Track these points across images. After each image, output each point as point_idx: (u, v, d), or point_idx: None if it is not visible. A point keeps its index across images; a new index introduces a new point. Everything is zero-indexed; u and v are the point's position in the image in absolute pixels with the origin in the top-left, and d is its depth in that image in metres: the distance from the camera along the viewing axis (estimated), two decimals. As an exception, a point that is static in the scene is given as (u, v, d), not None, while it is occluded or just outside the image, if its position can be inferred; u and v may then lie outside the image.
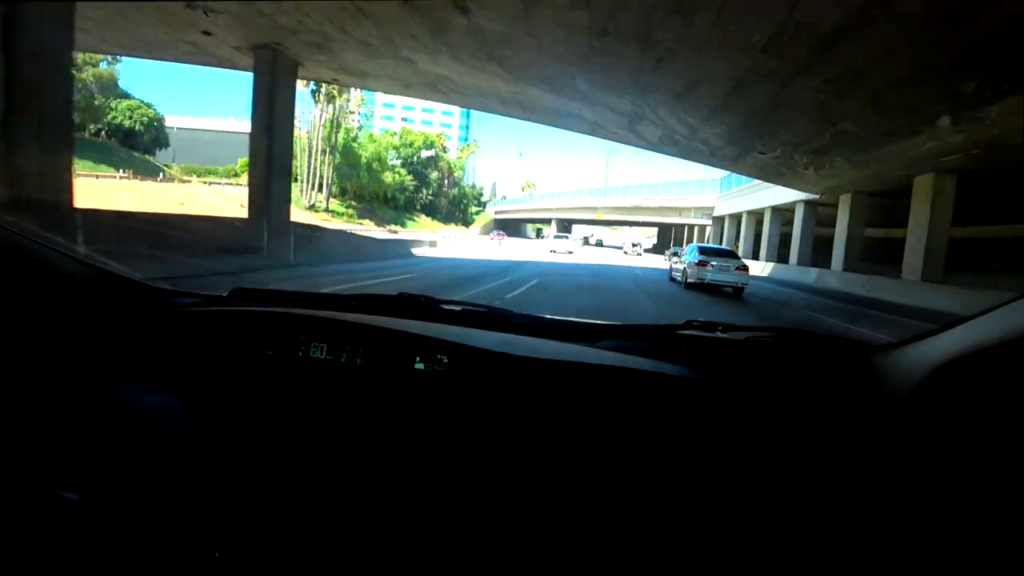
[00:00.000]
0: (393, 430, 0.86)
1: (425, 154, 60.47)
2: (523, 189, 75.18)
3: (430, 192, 59.24)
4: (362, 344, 0.96)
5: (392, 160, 56.62)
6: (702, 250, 12.01)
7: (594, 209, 47.97)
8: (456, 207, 66.92)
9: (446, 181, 62.77)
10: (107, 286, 1.09)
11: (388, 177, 49.31)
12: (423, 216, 58.82)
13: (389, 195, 51.78)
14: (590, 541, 0.70)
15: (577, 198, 51.26)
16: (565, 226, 60.12)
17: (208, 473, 0.78)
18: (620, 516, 0.72)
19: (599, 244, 58.46)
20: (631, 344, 1.07)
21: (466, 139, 77.67)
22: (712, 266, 11.15)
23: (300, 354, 0.98)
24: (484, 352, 0.91)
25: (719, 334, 1.09)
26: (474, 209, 76.70)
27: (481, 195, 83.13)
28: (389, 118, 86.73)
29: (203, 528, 0.70)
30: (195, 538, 0.69)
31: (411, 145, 57.47)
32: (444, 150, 62.97)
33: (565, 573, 0.67)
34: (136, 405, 0.89)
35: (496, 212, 72.44)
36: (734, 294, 11.14)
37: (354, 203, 47.67)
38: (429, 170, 59.88)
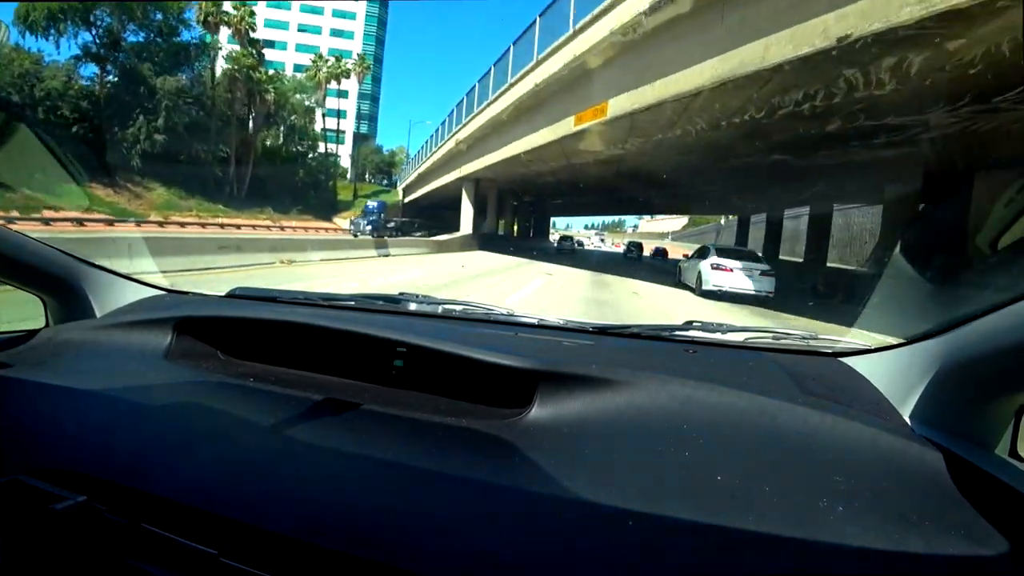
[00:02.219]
0: (385, 425, 0.84)
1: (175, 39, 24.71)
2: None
3: (160, 124, 22.65)
4: (358, 342, 0.96)
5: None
6: (719, 251, 10.30)
7: (587, 98, 11.33)
8: (289, 173, 30.59)
9: (245, 109, 26.41)
10: (105, 284, 1.20)
11: None
12: (158, 185, 22.70)
13: None
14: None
15: (541, 111, 14.53)
16: (534, 221, 37.28)
17: (209, 468, 0.76)
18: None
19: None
20: (627, 344, 1.10)
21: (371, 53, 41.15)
22: (732, 270, 9.56)
23: (298, 353, 1.02)
24: (480, 352, 0.88)
25: (719, 335, 1.11)
26: (366, 189, 40.68)
27: (391, 164, 47.11)
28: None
29: (203, 526, 0.68)
30: (195, 536, 0.68)
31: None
32: (247, 42, 26.80)
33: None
34: (134, 403, 0.90)
35: (406, 189, 37.62)
36: (756, 303, 9.53)
37: None
38: (156, 73, 23.46)
